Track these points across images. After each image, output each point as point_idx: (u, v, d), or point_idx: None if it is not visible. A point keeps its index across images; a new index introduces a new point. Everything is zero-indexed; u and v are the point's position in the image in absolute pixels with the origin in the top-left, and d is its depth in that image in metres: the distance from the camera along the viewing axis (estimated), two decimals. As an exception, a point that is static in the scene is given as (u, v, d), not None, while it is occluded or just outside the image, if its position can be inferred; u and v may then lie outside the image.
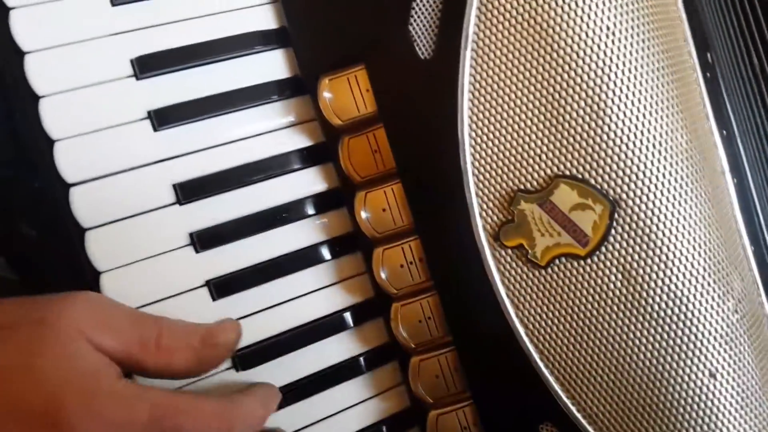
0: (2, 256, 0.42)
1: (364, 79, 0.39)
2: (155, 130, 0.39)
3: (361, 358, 0.42)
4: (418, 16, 0.37)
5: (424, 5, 0.37)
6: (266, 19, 0.41)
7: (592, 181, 0.35)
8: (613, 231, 0.35)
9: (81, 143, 0.38)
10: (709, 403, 0.35)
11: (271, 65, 0.41)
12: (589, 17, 0.34)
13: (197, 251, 0.40)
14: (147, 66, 0.39)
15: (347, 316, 0.42)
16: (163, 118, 0.39)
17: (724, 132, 0.38)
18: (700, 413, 0.35)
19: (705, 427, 0.35)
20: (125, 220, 0.39)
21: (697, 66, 0.36)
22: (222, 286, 0.40)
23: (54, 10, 0.38)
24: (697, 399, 0.35)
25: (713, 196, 0.35)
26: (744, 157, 0.38)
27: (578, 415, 0.37)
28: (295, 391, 0.41)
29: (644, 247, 0.34)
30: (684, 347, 0.35)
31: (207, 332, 0.36)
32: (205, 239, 0.40)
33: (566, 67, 0.34)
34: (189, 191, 0.40)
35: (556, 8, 0.34)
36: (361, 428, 0.43)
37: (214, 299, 0.40)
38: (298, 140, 0.42)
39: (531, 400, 0.38)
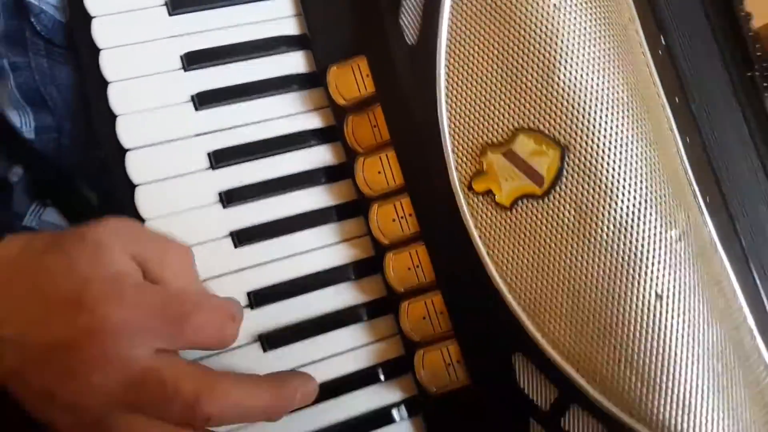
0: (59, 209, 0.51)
1: (365, 66, 0.48)
2: (197, 109, 0.49)
3: (362, 308, 0.48)
4: (407, 11, 0.46)
5: (410, 1, 0.46)
6: (292, 27, 0.51)
7: (546, 131, 0.41)
8: (564, 172, 0.41)
9: (138, 119, 0.48)
10: (658, 323, 0.39)
11: (294, 63, 0.51)
12: (539, -2, 0.41)
13: (224, 207, 0.48)
14: (195, 60, 0.49)
15: (350, 269, 0.49)
16: (204, 101, 0.49)
17: (676, 98, 0.43)
18: (650, 332, 0.39)
19: (655, 345, 0.39)
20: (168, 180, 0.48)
21: (642, 36, 0.42)
22: (244, 235, 0.47)
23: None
24: (646, 318, 0.39)
25: (659, 144, 0.41)
26: (694, 118, 0.43)
27: (543, 342, 0.41)
28: (301, 331, 0.47)
29: (591, 183, 0.40)
30: (631, 271, 0.39)
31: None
32: (232, 196, 0.48)
33: (522, 38, 0.42)
34: (221, 157, 0.48)
35: (513, -8, 0.42)
36: (359, 369, 0.48)
37: (236, 246, 0.48)
38: (314, 122, 0.50)
39: (503, 332, 0.43)
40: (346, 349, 0.48)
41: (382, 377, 0.48)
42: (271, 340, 0.47)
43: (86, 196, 0.57)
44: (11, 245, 0.40)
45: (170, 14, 0.49)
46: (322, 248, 0.49)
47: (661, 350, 0.39)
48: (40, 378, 0.38)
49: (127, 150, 0.47)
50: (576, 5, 0.41)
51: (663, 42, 0.43)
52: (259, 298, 0.47)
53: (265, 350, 0.47)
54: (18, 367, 0.38)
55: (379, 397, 0.48)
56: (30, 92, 0.53)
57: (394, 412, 0.48)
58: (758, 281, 0.42)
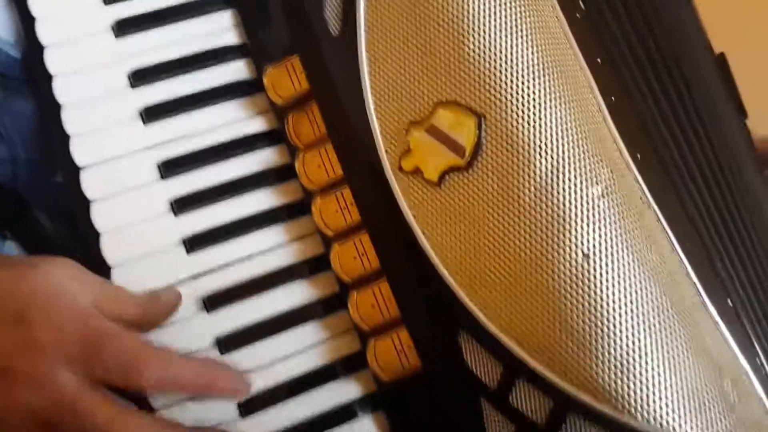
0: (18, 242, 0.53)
1: (298, 65, 0.48)
2: (145, 123, 0.50)
3: (317, 304, 0.48)
4: (329, 3, 0.47)
5: (332, -6, 0.47)
6: (233, 38, 0.53)
7: (462, 102, 0.41)
8: (483, 140, 0.40)
9: (90, 138, 0.50)
10: (588, 282, 0.37)
11: (237, 71, 0.52)
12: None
13: (176, 215, 0.49)
14: (140, 76, 0.51)
15: (303, 267, 0.49)
16: (152, 115, 0.51)
17: (598, 59, 0.42)
18: (581, 293, 0.37)
19: (588, 307, 0.37)
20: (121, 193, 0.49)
21: (555, 2, 0.42)
22: (195, 241, 0.48)
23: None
24: (575, 280, 0.37)
25: (576, 104, 0.40)
26: (627, 70, 0.42)
27: (482, 317, 0.40)
28: (257, 332, 0.48)
29: (508, 148, 0.39)
30: (556, 232, 0.38)
31: (154, 292, 0.45)
32: (182, 203, 0.49)
33: (431, 13, 0.42)
34: (170, 167, 0.50)
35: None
36: (318, 366, 0.47)
37: (188, 253, 0.48)
38: (259, 125, 0.51)
39: (446, 311, 0.42)
40: (304, 347, 0.48)
41: (341, 373, 0.48)
42: (228, 342, 0.47)
43: (44, 225, 0.59)
44: None
45: (116, 36, 0.52)
46: (274, 248, 0.49)
47: (594, 311, 0.37)
48: None
49: (81, 168, 0.49)
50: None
51: (581, 5, 0.43)
52: (214, 301, 0.48)
53: (222, 353, 0.47)
54: None
55: (339, 393, 0.48)
56: None
57: (356, 407, 0.47)
58: (705, 236, 0.40)
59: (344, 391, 0.48)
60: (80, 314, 0.41)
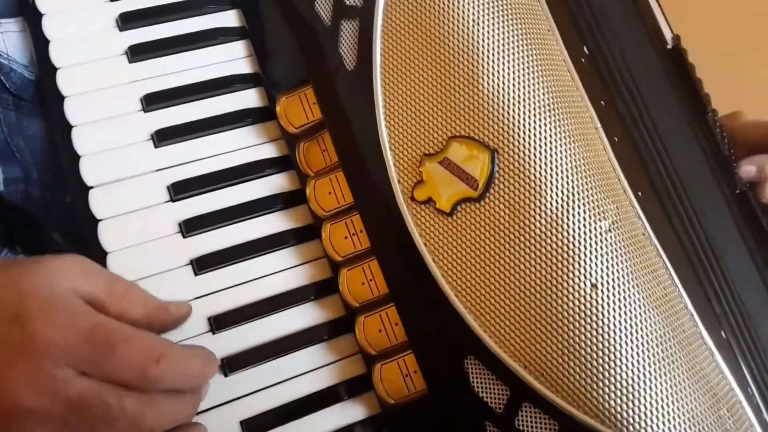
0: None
1: (311, 95, 0.50)
2: (156, 146, 0.51)
3: (322, 327, 0.49)
4: (344, 39, 0.49)
5: (347, 31, 0.48)
6: (245, 67, 0.54)
7: (476, 137, 0.43)
8: (495, 173, 0.42)
9: (100, 158, 0.51)
10: (595, 312, 0.39)
11: (248, 99, 0.54)
12: (459, 14, 0.44)
13: (184, 236, 0.50)
14: (153, 100, 0.52)
15: (309, 290, 0.50)
16: (163, 138, 0.51)
17: (602, 102, 0.45)
18: (589, 322, 0.39)
19: (595, 335, 0.39)
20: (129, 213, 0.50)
21: (561, 45, 0.45)
22: (203, 262, 0.49)
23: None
24: (583, 308, 0.39)
25: (584, 142, 0.42)
26: (627, 112, 0.45)
27: (491, 342, 0.42)
28: (262, 353, 0.48)
29: (520, 182, 0.41)
30: (566, 263, 0.40)
31: (164, 302, 0.44)
32: (191, 225, 0.50)
33: (447, 54, 0.44)
34: (180, 189, 0.50)
35: (436, 13, 0.44)
36: (322, 388, 0.48)
37: (196, 274, 0.49)
38: (269, 152, 0.53)
39: (454, 336, 0.43)
40: (308, 370, 0.49)
41: (345, 396, 0.49)
42: (232, 363, 0.48)
43: (56, 242, 0.59)
44: None
45: (130, 62, 0.53)
46: (281, 271, 0.50)
47: (601, 339, 0.39)
48: None
49: (90, 188, 0.50)
50: (493, 20, 0.44)
51: (585, 50, 0.46)
52: (220, 322, 0.49)
53: (226, 374, 0.48)
54: None
55: (342, 415, 0.48)
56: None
57: (358, 429, 0.48)
58: (699, 270, 0.43)
59: (347, 413, 0.49)
60: (85, 312, 0.39)
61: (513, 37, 0.43)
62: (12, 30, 0.55)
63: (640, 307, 0.39)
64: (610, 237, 0.40)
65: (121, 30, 0.53)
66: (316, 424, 0.48)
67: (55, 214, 0.56)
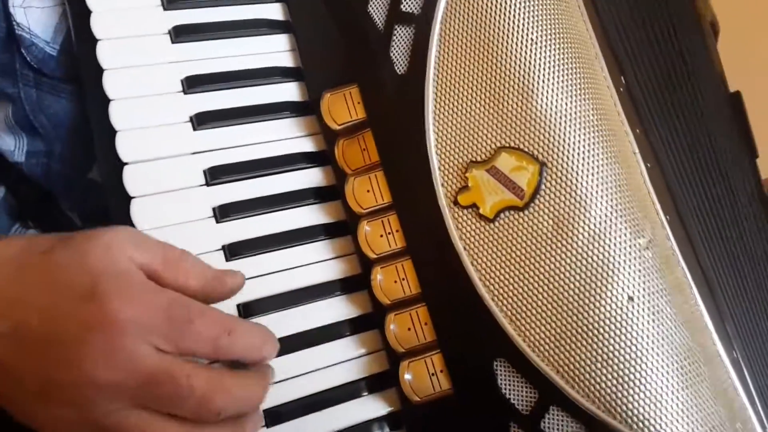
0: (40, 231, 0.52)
1: (356, 94, 0.51)
2: (195, 129, 0.51)
3: (349, 322, 0.50)
4: (396, 45, 0.50)
5: (401, 36, 0.50)
6: (287, 60, 0.55)
7: (526, 149, 0.45)
8: (542, 185, 0.44)
9: (138, 135, 0.50)
10: (630, 323, 0.42)
11: (288, 92, 0.54)
12: (518, 32, 0.46)
13: (217, 222, 0.50)
14: (195, 83, 0.52)
15: (337, 284, 0.51)
16: (202, 121, 0.51)
17: (639, 128, 0.48)
18: (624, 332, 0.42)
19: (629, 344, 0.41)
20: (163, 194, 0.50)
21: (606, 71, 0.48)
22: (235, 248, 0.49)
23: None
24: (619, 319, 0.42)
25: (624, 164, 0.45)
26: (657, 142, 0.48)
27: (524, 345, 0.44)
28: (288, 345, 0.48)
29: (566, 195, 0.44)
30: (605, 275, 0.42)
31: (220, 270, 0.44)
32: (225, 211, 0.50)
33: (503, 68, 0.46)
34: (216, 174, 0.50)
35: (496, 29, 0.47)
36: (344, 382, 0.49)
37: (227, 260, 0.49)
38: (305, 145, 0.53)
39: (485, 338, 0.45)
40: (332, 363, 0.50)
41: (365, 391, 0.49)
42: (259, 352, 0.48)
43: (69, 217, 0.58)
44: (12, 244, 0.41)
45: (173, 42, 0.53)
46: (310, 264, 0.51)
47: (634, 349, 0.41)
48: (36, 371, 0.38)
49: (125, 164, 0.49)
50: (550, 41, 0.46)
51: (623, 81, 0.49)
52: (248, 310, 0.49)
53: (249, 364, 0.48)
54: (12, 360, 0.38)
55: (362, 410, 0.49)
56: (22, 119, 0.55)
57: (375, 427, 0.49)
58: (717, 292, 0.46)
59: (367, 409, 0.49)
60: (155, 288, 0.39)
61: (566, 58, 0.46)
62: (35, 6, 0.54)
63: (671, 321, 0.42)
64: (647, 254, 0.43)
65: (165, 9, 0.53)
66: (336, 417, 0.49)
67: (74, 189, 0.55)
